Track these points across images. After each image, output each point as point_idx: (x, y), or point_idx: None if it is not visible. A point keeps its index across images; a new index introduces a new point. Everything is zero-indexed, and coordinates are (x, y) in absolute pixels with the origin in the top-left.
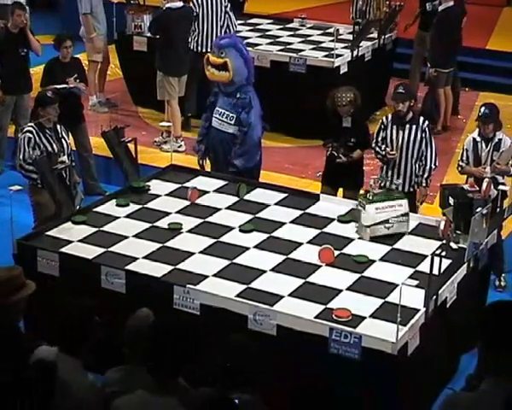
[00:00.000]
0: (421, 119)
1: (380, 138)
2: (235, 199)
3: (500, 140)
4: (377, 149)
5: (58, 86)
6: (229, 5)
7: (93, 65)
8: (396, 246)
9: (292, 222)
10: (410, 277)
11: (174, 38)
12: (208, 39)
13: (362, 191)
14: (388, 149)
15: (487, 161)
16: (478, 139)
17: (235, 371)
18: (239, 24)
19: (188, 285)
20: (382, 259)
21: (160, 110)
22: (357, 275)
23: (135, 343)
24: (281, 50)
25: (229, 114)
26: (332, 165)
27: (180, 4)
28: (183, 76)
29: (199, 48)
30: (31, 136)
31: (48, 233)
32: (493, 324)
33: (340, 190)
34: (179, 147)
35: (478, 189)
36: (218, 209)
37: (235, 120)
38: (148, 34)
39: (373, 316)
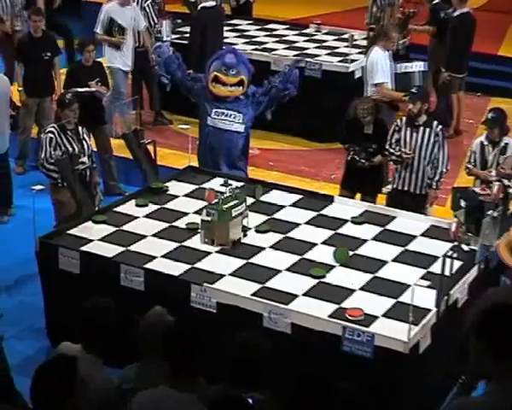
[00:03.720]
0: (435, 122)
1: (393, 140)
2: (252, 200)
3: (507, 144)
4: (391, 150)
5: (80, 89)
6: (148, 2)
7: None
8: (408, 247)
9: (307, 223)
10: (422, 277)
11: (209, 36)
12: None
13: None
14: (404, 150)
15: (493, 165)
16: (485, 143)
17: (246, 367)
18: (248, 24)
19: (205, 284)
20: (395, 260)
21: (178, 113)
22: (370, 275)
23: (150, 340)
24: (297, 55)
25: (237, 114)
26: (351, 170)
27: (213, 3)
28: None
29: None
30: (52, 136)
31: (69, 232)
32: (498, 327)
33: (358, 194)
34: None
35: (489, 192)
36: None
37: (243, 118)
38: (168, 38)
39: (385, 315)
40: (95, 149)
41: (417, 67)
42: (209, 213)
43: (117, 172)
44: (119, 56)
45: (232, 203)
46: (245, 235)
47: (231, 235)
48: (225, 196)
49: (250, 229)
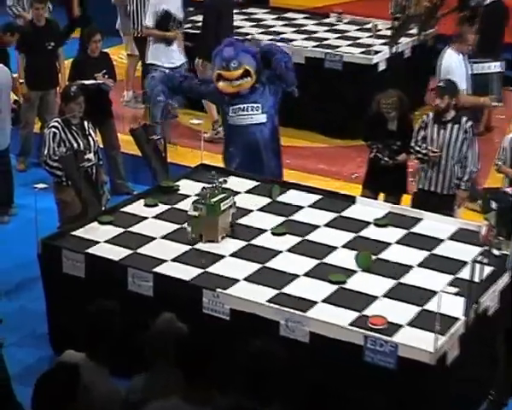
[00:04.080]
0: (464, 118)
1: (420, 137)
2: (268, 200)
3: None
4: (417, 148)
5: (86, 82)
6: None
7: (132, 59)
8: (435, 251)
9: (326, 225)
10: (450, 284)
11: (223, 23)
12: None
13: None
14: (431, 148)
15: None
16: None
17: (259, 377)
18: (265, 13)
19: (217, 289)
20: (420, 264)
21: (190, 107)
22: (394, 281)
23: (159, 349)
24: (316, 46)
25: (254, 105)
26: (374, 168)
27: None
28: None
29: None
30: (56, 131)
31: (73, 233)
32: None
33: (381, 194)
34: (216, 134)
35: None
36: (250, 211)
37: (263, 107)
38: None
39: (410, 324)
40: (101, 146)
41: (495, 67)
42: (196, 208)
43: (124, 169)
44: (165, 53)
45: (220, 197)
46: (232, 230)
47: (220, 230)
48: (212, 189)
49: (266, 231)
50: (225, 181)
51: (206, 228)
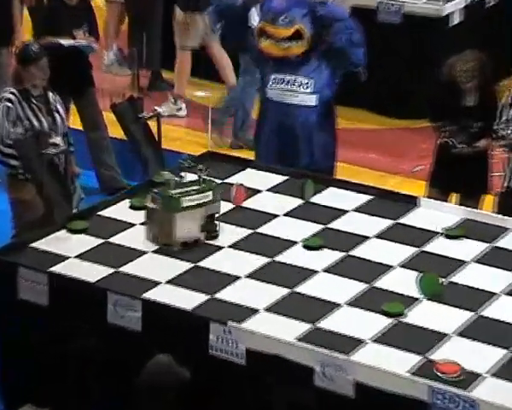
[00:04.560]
0: None
1: (507, 117)
2: (299, 202)
3: None
4: (502, 132)
5: (64, 41)
6: None
7: (113, 7)
8: None
9: (378, 236)
10: None
11: None
12: None
13: None
14: None
15: None
16: None
17: None
18: None
19: (229, 322)
20: (508, 292)
21: (193, 74)
22: (472, 314)
23: (151, 400)
24: None
25: (303, 81)
26: (445, 159)
27: None
28: None
29: None
30: (10, 106)
31: (33, 245)
32: None
33: (454, 195)
34: (178, 110)
35: None
36: (274, 216)
37: (314, 85)
38: None
39: (494, 374)
40: (77, 127)
41: None
42: (154, 198)
43: (114, 157)
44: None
45: (187, 189)
46: (211, 236)
47: (179, 232)
48: (182, 179)
49: (296, 243)
50: (204, 169)
51: (161, 227)
